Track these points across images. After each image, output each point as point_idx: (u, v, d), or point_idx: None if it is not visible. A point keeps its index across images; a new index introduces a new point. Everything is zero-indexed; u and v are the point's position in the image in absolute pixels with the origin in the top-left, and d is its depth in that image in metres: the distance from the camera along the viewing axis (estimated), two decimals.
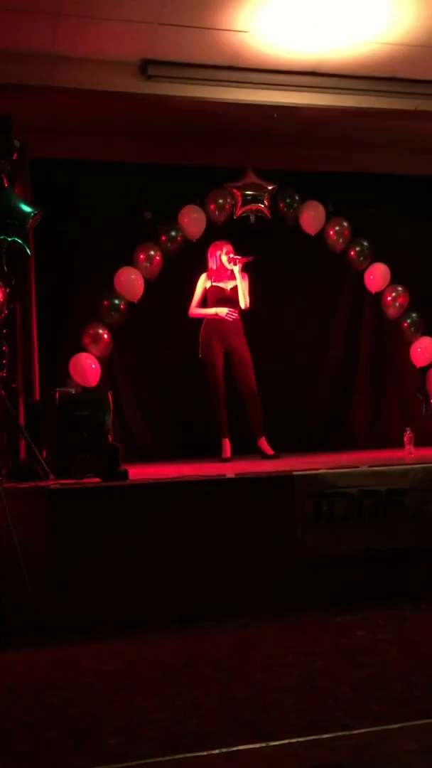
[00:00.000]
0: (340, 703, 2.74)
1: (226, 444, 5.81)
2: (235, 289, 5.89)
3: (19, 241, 4.67)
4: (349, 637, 3.53)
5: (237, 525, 4.08)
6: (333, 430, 6.96)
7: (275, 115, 5.70)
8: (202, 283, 5.98)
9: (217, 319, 5.85)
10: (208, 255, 6.00)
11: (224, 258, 5.90)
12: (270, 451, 5.79)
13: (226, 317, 5.82)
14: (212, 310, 5.86)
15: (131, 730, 2.59)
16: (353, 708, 2.69)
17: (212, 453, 5.92)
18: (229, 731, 2.55)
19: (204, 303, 5.96)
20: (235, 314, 5.86)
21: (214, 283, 5.93)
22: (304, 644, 3.45)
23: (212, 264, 5.98)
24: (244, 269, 5.90)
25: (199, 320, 5.96)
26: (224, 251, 5.92)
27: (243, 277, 5.90)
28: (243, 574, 4.03)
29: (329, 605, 3.96)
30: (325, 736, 2.49)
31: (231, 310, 5.84)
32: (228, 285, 5.91)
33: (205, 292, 5.97)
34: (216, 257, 5.96)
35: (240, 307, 5.89)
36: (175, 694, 2.90)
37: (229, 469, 4.88)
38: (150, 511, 4.01)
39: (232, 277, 5.91)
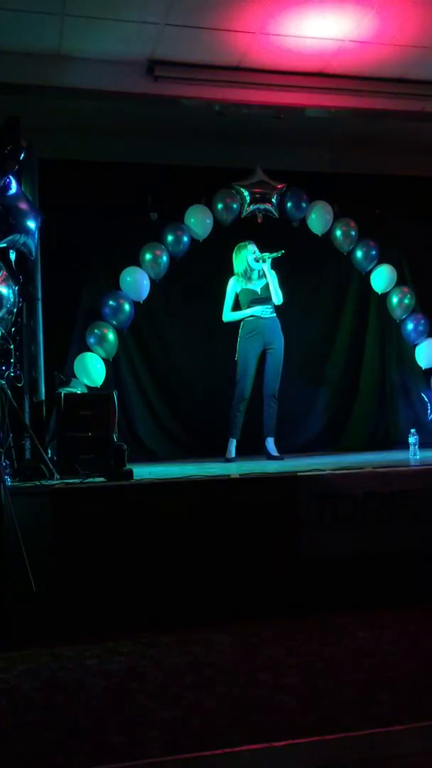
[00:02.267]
0: (343, 704, 2.74)
1: (233, 444, 5.81)
2: (266, 288, 5.85)
3: (30, 242, 4.69)
4: (352, 638, 3.53)
5: (241, 526, 4.08)
6: (338, 431, 6.95)
7: (281, 116, 5.70)
8: (232, 287, 5.92)
9: (254, 320, 5.83)
10: (233, 257, 5.94)
11: (250, 258, 5.86)
12: (276, 453, 5.80)
13: (263, 314, 5.81)
14: (248, 312, 5.83)
15: (134, 730, 2.60)
16: (357, 709, 2.69)
17: (217, 453, 5.92)
18: (233, 732, 2.54)
19: (236, 307, 5.93)
20: (272, 311, 5.85)
21: (244, 287, 5.89)
22: (308, 645, 3.45)
23: (238, 266, 5.91)
24: (272, 266, 5.84)
25: (234, 324, 5.92)
26: (249, 251, 5.87)
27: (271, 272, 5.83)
28: (247, 575, 4.03)
29: (333, 607, 3.95)
30: (328, 737, 2.48)
31: (267, 307, 5.83)
32: (258, 285, 5.88)
33: (236, 296, 5.93)
34: (241, 258, 5.90)
35: (274, 304, 5.86)
36: (178, 694, 2.91)
37: (234, 470, 4.88)
38: (155, 511, 4.02)
39: (261, 276, 5.87)
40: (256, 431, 5.90)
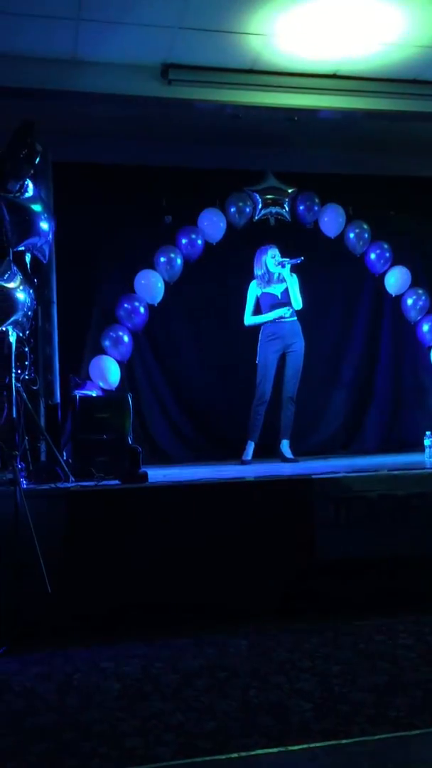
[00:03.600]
0: (358, 709, 2.72)
1: (251, 447, 5.82)
2: (285, 292, 5.88)
3: (44, 246, 4.72)
4: (367, 642, 3.51)
5: (256, 528, 4.07)
6: (352, 433, 6.93)
7: (296, 118, 5.69)
8: (253, 290, 5.96)
9: (274, 323, 5.85)
10: (255, 261, 5.98)
11: (270, 262, 5.89)
12: (290, 456, 5.80)
13: (284, 318, 5.83)
14: (270, 316, 5.85)
15: (149, 732, 2.60)
16: (372, 714, 2.68)
17: (231, 456, 5.93)
18: (247, 735, 2.54)
19: (257, 310, 5.96)
20: (292, 314, 5.88)
21: (264, 290, 5.92)
22: (323, 648, 3.43)
23: (258, 270, 5.95)
24: (293, 270, 5.88)
25: (253, 327, 5.97)
26: (270, 255, 5.90)
27: (291, 277, 5.88)
28: (261, 577, 4.02)
29: (348, 609, 3.94)
30: (343, 741, 2.48)
31: (288, 309, 5.85)
32: (278, 289, 5.91)
33: (257, 299, 5.96)
34: (261, 262, 5.93)
35: (294, 308, 5.89)
36: (192, 697, 2.90)
37: (249, 473, 4.87)
38: (169, 514, 4.02)
39: (281, 280, 5.90)
40: (270, 433, 5.90)
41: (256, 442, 5.83)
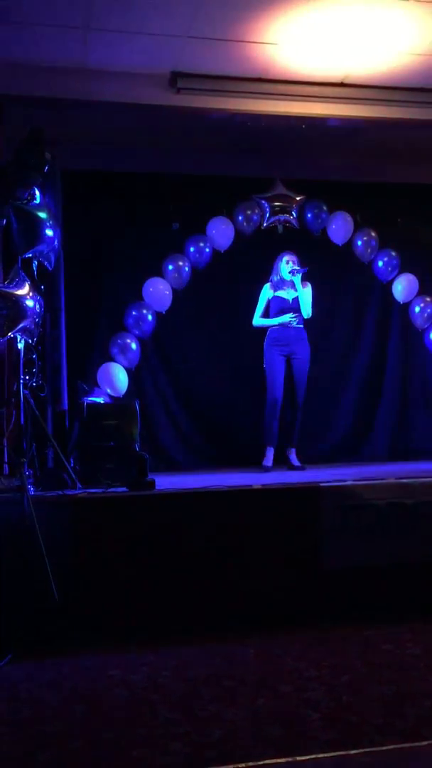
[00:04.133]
0: (367, 719, 2.71)
1: (271, 453, 5.83)
2: (296, 298, 5.93)
3: (51, 253, 4.73)
4: (376, 651, 3.49)
5: (263, 536, 4.06)
6: (359, 441, 6.91)
7: (303, 126, 5.70)
8: (265, 293, 6.02)
9: (279, 328, 5.88)
10: (273, 266, 6.07)
11: (284, 269, 5.94)
12: (298, 463, 5.79)
13: (290, 324, 5.87)
14: (276, 320, 5.89)
15: (156, 741, 2.59)
16: (380, 724, 2.66)
17: (240, 463, 5.93)
18: (255, 745, 2.53)
19: (267, 313, 6.01)
20: (299, 321, 5.91)
21: (276, 293, 5.98)
22: (330, 658, 3.42)
23: (275, 275, 6.02)
24: (305, 279, 5.95)
25: (261, 330, 6.00)
26: (285, 261, 5.96)
27: (304, 286, 5.95)
28: (269, 586, 4.01)
29: (356, 618, 3.93)
30: (352, 751, 2.46)
31: (294, 316, 5.89)
32: (290, 295, 5.96)
33: (268, 302, 6.01)
34: (277, 268, 6.01)
35: (303, 316, 5.93)
36: (199, 706, 2.89)
37: (256, 481, 4.86)
38: (176, 521, 4.02)
39: (294, 286, 5.95)
40: (278, 440, 5.89)
41: (276, 447, 5.83)
